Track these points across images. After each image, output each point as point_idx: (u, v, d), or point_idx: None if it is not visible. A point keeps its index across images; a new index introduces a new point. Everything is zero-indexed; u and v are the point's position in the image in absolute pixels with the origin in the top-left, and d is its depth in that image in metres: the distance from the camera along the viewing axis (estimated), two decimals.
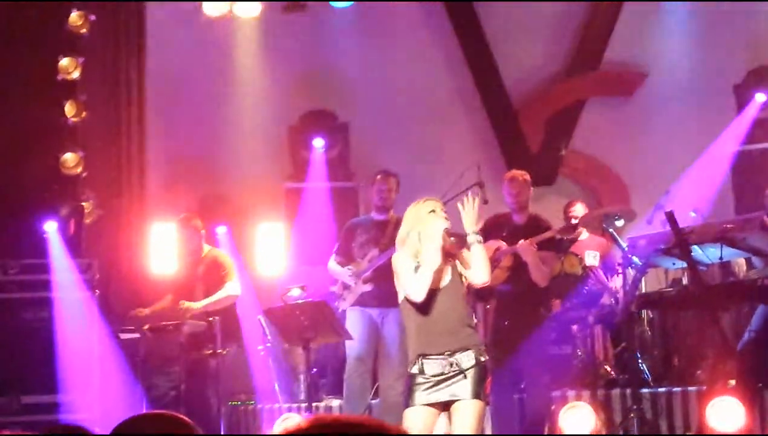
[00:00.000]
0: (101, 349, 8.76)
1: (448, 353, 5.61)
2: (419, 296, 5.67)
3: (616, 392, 8.48)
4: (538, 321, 7.93)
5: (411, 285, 5.71)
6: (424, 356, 5.65)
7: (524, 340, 7.63)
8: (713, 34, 11.24)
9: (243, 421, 9.23)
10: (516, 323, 7.69)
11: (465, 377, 5.56)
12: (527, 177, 7.97)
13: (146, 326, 8.45)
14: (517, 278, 7.80)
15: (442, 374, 5.60)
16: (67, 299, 8.80)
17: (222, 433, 8.37)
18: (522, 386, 8.06)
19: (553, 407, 8.05)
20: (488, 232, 7.22)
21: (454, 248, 5.80)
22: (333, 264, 8.51)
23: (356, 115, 11.44)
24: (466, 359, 5.60)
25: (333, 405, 9.00)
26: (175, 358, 8.51)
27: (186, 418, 2.76)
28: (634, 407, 7.87)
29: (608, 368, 8.95)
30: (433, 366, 5.62)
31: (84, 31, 9.67)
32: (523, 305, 7.79)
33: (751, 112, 10.76)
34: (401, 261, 5.81)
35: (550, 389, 8.17)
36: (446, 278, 5.75)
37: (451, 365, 5.58)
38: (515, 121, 11.52)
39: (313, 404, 8.35)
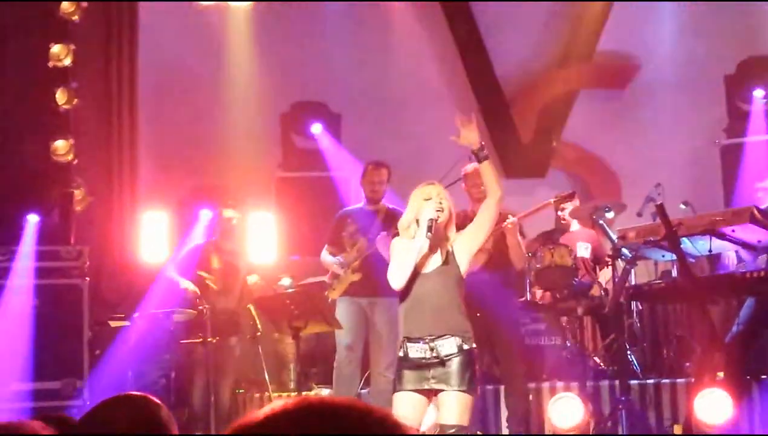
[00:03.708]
0: (91, 336, 8.76)
1: (430, 338, 5.52)
2: (396, 284, 5.64)
3: (605, 383, 8.51)
4: (512, 309, 8.00)
5: (391, 272, 5.69)
6: (408, 339, 5.61)
7: (499, 329, 7.66)
8: (704, 26, 11.26)
9: (233, 409, 9.22)
10: (490, 312, 7.58)
11: (444, 365, 5.48)
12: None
13: (136, 314, 8.45)
14: (494, 262, 7.76)
15: (423, 359, 5.50)
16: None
17: (212, 420, 8.38)
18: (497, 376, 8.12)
19: (531, 397, 8.10)
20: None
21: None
22: (325, 254, 8.52)
23: (348, 105, 11.42)
24: (447, 345, 5.48)
25: (323, 394, 9.01)
26: (164, 346, 8.51)
27: (154, 398, 2.68)
28: (623, 398, 7.89)
29: (597, 360, 8.98)
30: (415, 350, 5.55)
31: (76, 18, 9.64)
32: (499, 291, 7.72)
33: (757, 108, 10.78)
34: (396, 246, 5.77)
35: (527, 378, 8.23)
36: (438, 262, 5.65)
37: (432, 350, 5.49)
38: (507, 113, 11.50)
39: (303, 393, 8.36)
